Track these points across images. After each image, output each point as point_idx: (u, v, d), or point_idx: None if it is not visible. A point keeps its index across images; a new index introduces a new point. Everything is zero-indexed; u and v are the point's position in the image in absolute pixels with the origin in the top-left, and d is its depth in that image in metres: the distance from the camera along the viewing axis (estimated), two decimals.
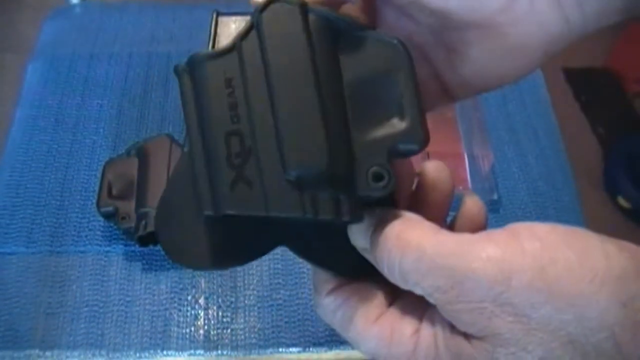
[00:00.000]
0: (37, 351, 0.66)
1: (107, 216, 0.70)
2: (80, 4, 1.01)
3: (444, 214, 0.36)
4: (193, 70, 0.32)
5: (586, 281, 0.27)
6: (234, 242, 0.35)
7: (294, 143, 0.30)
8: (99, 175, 0.73)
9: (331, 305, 0.34)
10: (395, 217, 0.32)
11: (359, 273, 0.35)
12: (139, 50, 0.93)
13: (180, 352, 0.67)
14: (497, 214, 0.79)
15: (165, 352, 0.67)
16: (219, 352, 0.67)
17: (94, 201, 0.71)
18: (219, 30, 0.35)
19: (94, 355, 0.66)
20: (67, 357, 0.66)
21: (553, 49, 0.33)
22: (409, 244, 0.30)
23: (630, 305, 0.26)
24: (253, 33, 0.32)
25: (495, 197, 0.78)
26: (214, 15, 0.35)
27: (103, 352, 0.66)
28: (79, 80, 0.89)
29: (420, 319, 0.32)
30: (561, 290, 0.27)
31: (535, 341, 0.27)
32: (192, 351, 0.67)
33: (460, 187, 0.78)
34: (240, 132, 0.31)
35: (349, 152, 0.31)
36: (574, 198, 0.82)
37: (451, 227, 0.36)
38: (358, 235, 0.33)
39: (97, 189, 0.72)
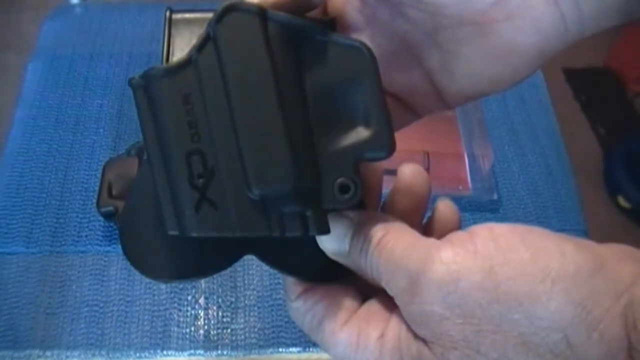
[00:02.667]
0: (37, 351, 0.66)
1: (107, 216, 0.70)
2: (80, 3, 1.01)
3: (419, 217, 0.36)
4: (148, 85, 0.30)
5: (537, 280, 0.27)
6: (197, 254, 0.34)
7: (257, 162, 0.29)
8: (99, 175, 0.73)
9: (300, 308, 0.34)
10: (376, 221, 0.32)
11: (324, 278, 0.35)
12: (139, 50, 0.93)
13: (180, 352, 0.67)
14: (497, 214, 0.79)
15: (165, 352, 0.67)
16: (219, 352, 0.67)
17: (94, 201, 0.71)
18: (173, 30, 0.33)
19: (94, 355, 0.66)
20: (67, 357, 0.66)
21: (549, 49, 0.32)
22: (386, 246, 0.31)
23: (583, 304, 0.26)
24: (210, 45, 0.30)
25: (495, 196, 0.78)
26: (167, 14, 0.33)
27: (103, 352, 0.66)
28: (79, 80, 0.89)
29: (387, 321, 0.32)
30: (511, 290, 0.27)
31: (488, 342, 0.27)
32: (192, 351, 0.67)
33: (460, 187, 0.78)
34: (202, 151, 0.30)
35: (314, 165, 0.31)
36: (574, 198, 0.82)
37: (425, 230, 0.36)
38: (331, 241, 0.33)
39: (97, 188, 0.72)
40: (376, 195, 0.37)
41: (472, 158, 0.80)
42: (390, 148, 0.31)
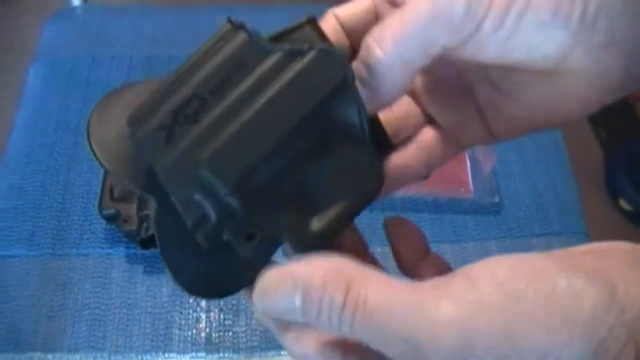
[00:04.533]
0: (38, 354, 0.66)
1: (109, 219, 0.70)
2: (81, 6, 1.01)
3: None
4: (245, 34, 0.31)
5: (555, 331, 0.25)
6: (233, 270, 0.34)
7: (226, 143, 0.30)
8: (100, 177, 0.73)
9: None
10: (329, 271, 0.27)
11: None
12: (140, 53, 0.93)
13: (182, 355, 0.67)
14: (498, 217, 0.78)
15: (167, 355, 0.67)
16: (221, 354, 0.67)
17: (96, 204, 0.71)
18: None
19: (95, 357, 0.66)
20: (69, 359, 0.66)
21: (608, 97, 0.32)
22: (358, 306, 0.26)
23: (602, 345, 0.25)
24: (298, 57, 0.31)
25: (496, 199, 0.78)
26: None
27: (105, 355, 0.66)
28: (80, 83, 0.89)
29: None
30: (529, 346, 0.25)
31: None
32: (193, 354, 0.67)
33: (462, 190, 0.78)
34: (205, 101, 0.31)
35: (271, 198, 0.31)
36: (575, 200, 0.82)
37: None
38: (275, 301, 0.28)
39: (98, 191, 0.72)
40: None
41: (474, 160, 0.80)
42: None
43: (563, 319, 0.25)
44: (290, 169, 0.31)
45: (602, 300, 0.25)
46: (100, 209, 0.70)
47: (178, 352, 0.67)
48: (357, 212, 0.33)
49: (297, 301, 0.27)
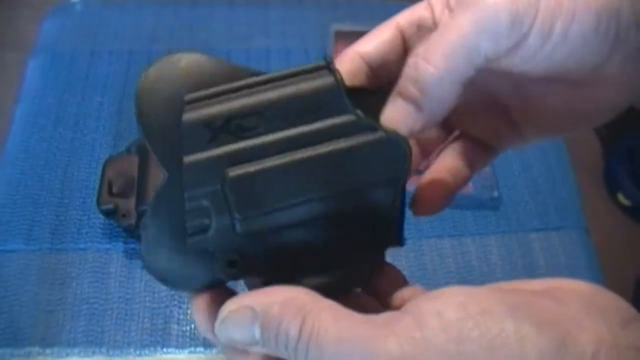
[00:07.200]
0: (37, 348, 0.66)
1: (108, 214, 0.70)
2: (80, 1, 1.01)
3: None
4: None
5: None
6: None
7: (261, 177, 0.30)
8: (99, 172, 0.73)
9: None
10: (285, 306, 0.28)
11: None
12: (139, 48, 0.93)
13: (181, 350, 0.67)
14: (497, 212, 0.78)
15: (165, 350, 0.67)
16: (219, 349, 0.67)
17: (94, 199, 0.71)
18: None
19: (94, 352, 0.66)
20: (67, 354, 0.66)
21: (636, 102, 0.33)
22: (311, 339, 0.27)
23: None
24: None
25: (495, 194, 0.78)
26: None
27: (103, 350, 0.66)
28: (79, 78, 0.89)
29: None
30: None
31: None
32: (192, 349, 0.67)
33: None
34: (263, 122, 0.31)
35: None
36: (574, 195, 0.82)
37: None
38: (236, 330, 0.29)
39: (97, 186, 0.72)
40: None
41: None
42: None
43: None
44: (305, 225, 0.31)
45: (550, 352, 0.25)
46: (99, 203, 0.70)
47: (176, 347, 0.67)
48: (340, 291, 0.31)
49: (257, 333, 0.28)
